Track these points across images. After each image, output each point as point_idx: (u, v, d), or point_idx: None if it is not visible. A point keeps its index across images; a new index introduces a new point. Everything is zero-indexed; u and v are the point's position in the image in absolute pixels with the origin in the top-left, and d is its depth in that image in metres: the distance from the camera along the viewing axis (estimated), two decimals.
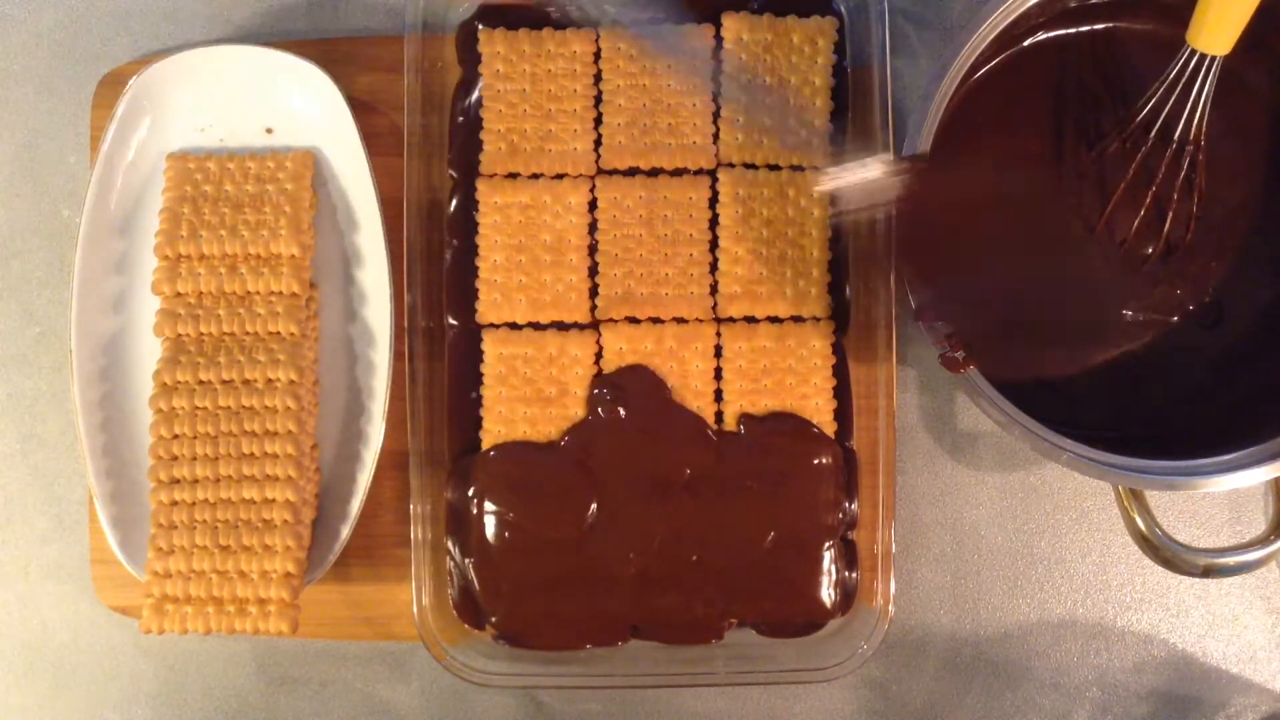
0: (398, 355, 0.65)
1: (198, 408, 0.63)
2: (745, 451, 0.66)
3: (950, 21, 0.70)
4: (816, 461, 0.66)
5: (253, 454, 0.63)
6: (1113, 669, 0.70)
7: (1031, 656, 0.69)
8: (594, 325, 0.67)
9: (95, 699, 0.70)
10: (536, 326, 0.67)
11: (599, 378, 0.66)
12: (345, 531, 0.65)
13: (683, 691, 0.69)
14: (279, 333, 0.64)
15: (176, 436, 0.63)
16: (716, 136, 0.67)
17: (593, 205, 0.67)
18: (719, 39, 0.67)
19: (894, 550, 0.65)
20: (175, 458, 0.63)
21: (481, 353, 0.67)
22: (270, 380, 0.63)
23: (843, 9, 0.67)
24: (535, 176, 0.67)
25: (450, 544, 0.67)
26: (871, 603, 0.65)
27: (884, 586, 0.65)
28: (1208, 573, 0.61)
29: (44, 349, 0.70)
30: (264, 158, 0.66)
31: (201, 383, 0.63)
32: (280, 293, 0.64)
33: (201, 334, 0.64)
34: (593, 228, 0.67)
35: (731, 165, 0.67)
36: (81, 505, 0.69)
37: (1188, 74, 0.58)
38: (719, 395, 0.67)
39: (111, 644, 0.70)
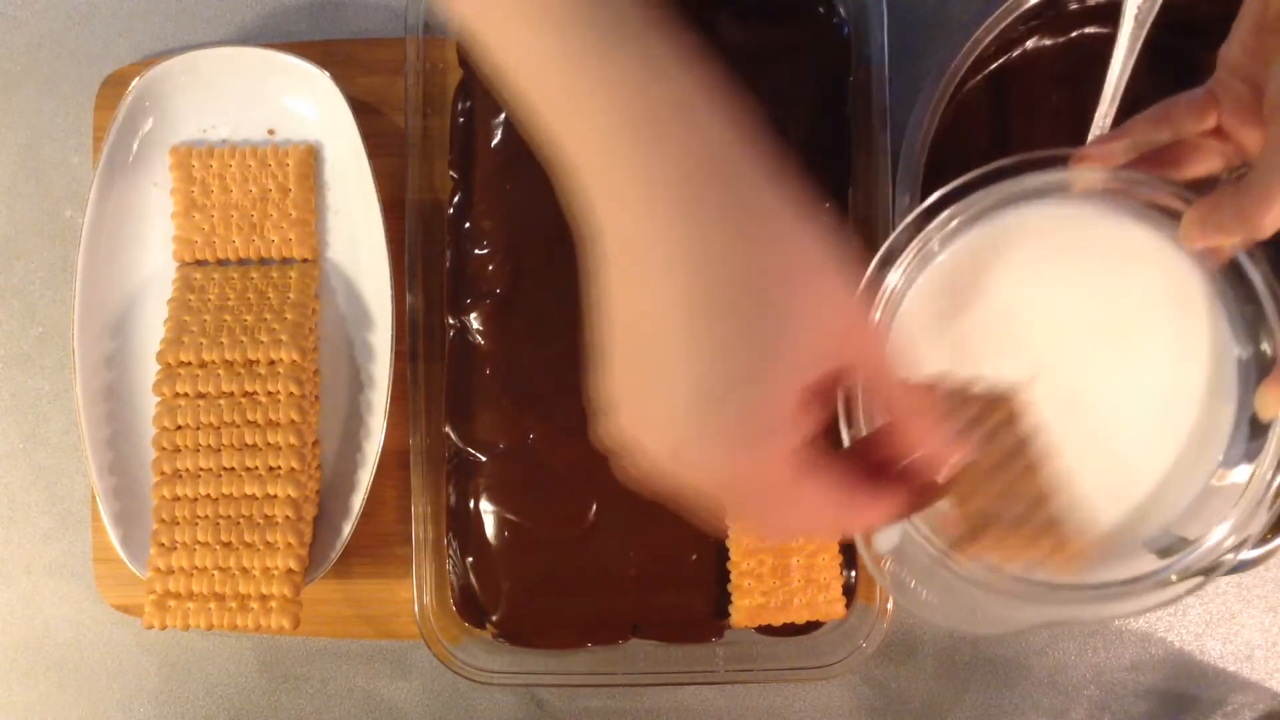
0: (399, 354, 0.66)
1: (201, 394, 0.63)
2: None
3: (950, 22, 0.70)
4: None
5: (255, 444, 0.63)
6: (1110, 667, 0.70)
7: (1029, 655, 0.70)
8: None
9: (97, 697, 0.70)
10: None
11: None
12: (347, 529, 0.65)
13: (683, 690, 0.69)
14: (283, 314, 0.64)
15: (180, 427, 0.64)
16: None
17: None
18: None
19: None
20: (178, 449, 0.63)
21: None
22: (272, 362, 0.63)
23: (842, 11, 0.68)
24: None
25: (451, 542, 0.67)
26: (871, 601, 0.66)
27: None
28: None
29: (47, 349, 0.70)
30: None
31: (204, 365, 0.64)
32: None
33: (204, 320, 0.65)
34: None
35: None
36: (84, 504, 0.69)
37: None
38: None
39: (114, 642, 0.70)
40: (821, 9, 0.68)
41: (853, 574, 0.67)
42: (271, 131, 0.68)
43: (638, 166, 0.35)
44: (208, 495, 0.63)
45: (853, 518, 0.40)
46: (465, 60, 0.68)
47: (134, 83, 0.66)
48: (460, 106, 0.68)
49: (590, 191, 0.36)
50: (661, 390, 0.36)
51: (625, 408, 0.38)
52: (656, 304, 0.35)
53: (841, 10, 0.68)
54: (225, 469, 0.63)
